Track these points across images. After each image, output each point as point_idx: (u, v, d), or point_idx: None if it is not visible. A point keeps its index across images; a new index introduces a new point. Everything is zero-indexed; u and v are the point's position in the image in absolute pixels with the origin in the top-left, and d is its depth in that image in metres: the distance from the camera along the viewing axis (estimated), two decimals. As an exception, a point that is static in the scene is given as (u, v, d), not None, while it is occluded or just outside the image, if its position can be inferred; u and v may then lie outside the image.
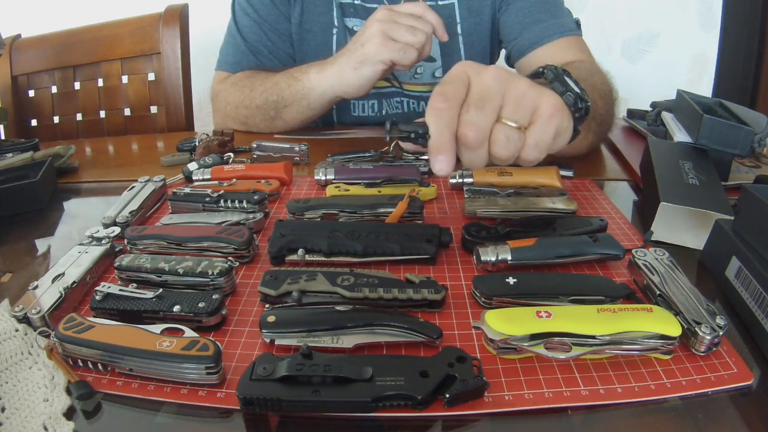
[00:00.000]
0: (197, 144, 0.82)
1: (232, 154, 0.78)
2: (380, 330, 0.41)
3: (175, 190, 0.63)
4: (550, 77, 0.51)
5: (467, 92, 0.44)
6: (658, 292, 0.45)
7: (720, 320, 0.40)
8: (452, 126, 0.43)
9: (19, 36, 1.20)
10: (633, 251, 0.50)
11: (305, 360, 0.36)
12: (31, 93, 1.21)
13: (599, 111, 0.73)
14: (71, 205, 0.72)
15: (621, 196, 0.69)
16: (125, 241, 0.55)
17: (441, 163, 0.43)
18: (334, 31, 0.94)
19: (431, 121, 0.44)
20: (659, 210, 0.55)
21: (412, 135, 0.47)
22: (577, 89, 0.50)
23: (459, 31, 0.95)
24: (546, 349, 0.39)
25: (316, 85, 0.82)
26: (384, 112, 1.00)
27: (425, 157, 0.77)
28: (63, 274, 0.48)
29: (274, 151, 0.79)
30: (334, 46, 0.95)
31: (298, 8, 0.94)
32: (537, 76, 0.52)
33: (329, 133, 0.87)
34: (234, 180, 0.67)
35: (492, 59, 1.00)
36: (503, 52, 1.00)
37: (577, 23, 0.90)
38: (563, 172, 0.70)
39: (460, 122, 0.44)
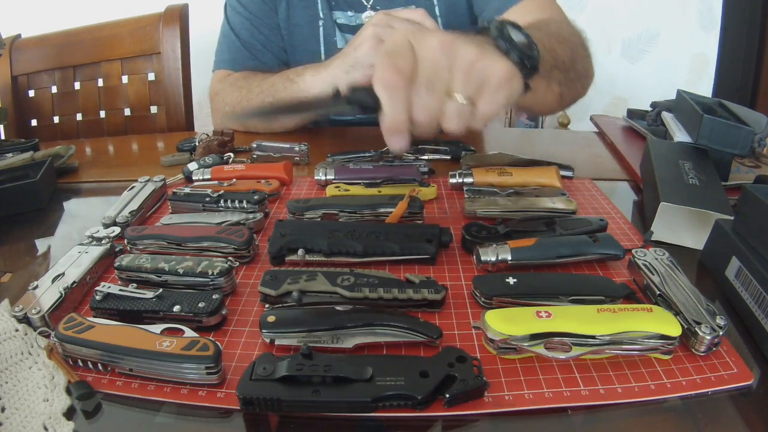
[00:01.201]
0: (197, 144, 0.82)
1: (232, 154, 0.78)
2: (380, 330, 0.41)
3: (175, 190, 0.63)
4: (494, 34, 0.50)
5: (415, 66, 0.44)
6: (658, 292, 0.45)
7: (720, 320, 0.40)
8: (407, 105, 0.44)
9: (19, 36, 1.20)
10: (633, 251, 0.50)
11: (305, 360, 0.36)
12: (31, 93, 1.21)
13: (560, 58, 0.70)
14: (71, 205, 0.72)
15: (621, 196, 0.69)
16: (125, 241, 0.55)
17: (400, 142, 0.45)
18: (320, 23, 0.95)
19: (387, 100, 0.44)
20: (659, 210, 0.55)
21: (361, 105, 0.47)
22: (523, 40, 0.50)
23: (437, 12, 0.95)
24: (546, 349, 0.39)
25: (311, 88, 0.82)
26: None
27: (425, 157, 0.78)
28: (63, 274, 0.48)
29: (274, 151, 0.79)
30: (321, 39, 0.96)
31: (284, 2, 0.95)
32: (482, 31, 0.51)
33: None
34: (234, 180, 0.67)
35: None
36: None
37: None
38: (563, 172, 0.70)
39: (412, 103, 0.44)
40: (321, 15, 0.95)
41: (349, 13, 0.94)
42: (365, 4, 0.94)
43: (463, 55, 0.45)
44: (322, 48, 0.96)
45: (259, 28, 0.95)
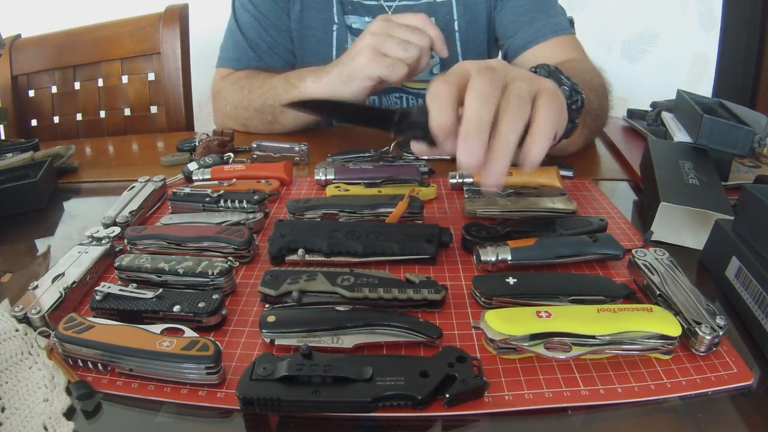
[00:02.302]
0: (197, 144, 0.82)
1: (232, 154, 0.78)
2: (380, 330, 0.41)
3: (175, 190, 0.63)
4: (543, 74, 0.52)
5: (468, 81, 0.44)
6: (658, 292, 0.45)
7: (720, 320, 0.40)
8: (454, 106, 0.43)
9: (19, 36, 1.20)
10: (633, 251, 0.50)
11: (305, 360, 0.36)
12: (31, 93, 1.21)
13: (592, 105, 0.74)
14: (71, 205, 0.72)
15: (621, 196, 0.69)
16: (125, 241, 0.55)
17: (469, 151, 0.42)
18: (334, 27, 0.95)
19: (432, 103, 0.43)
20: (659, 210, 0.55)
21: (415, 135, 0.47)
22: (570, 82, 0.50)
23: (456, 27, 0.95)
24: (546, 349, 0.39)
25: (312, 93, 0.81)
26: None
27: (425, 157, 0.78)
28: (63, 274, 0.48)
29: (274, 151, 0.79)
30: (334, 43, 0.95)
31: (297, 5, 0.94)
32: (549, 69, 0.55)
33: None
34: (234, 180, 0.67)
35: (489, 57, 1.00)
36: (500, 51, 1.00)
37: (571, 22, 0.90)
38: (563, 172, 0.70)
39: (464, 95, 0.43)
40: (335, 19, 0.94)
41: (366, 19, 0.94)
42: (386, 11, 0.93)
43: (516, 69, 0.47)
44: (334, 52, 0.95)
45: (267, 29, 0.95)
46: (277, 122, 0.89)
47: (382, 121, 0.49)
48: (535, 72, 0.54)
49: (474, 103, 0.43)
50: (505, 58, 0.96)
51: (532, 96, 0.45)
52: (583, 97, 0.53)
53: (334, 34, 0.95)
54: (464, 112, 0.43)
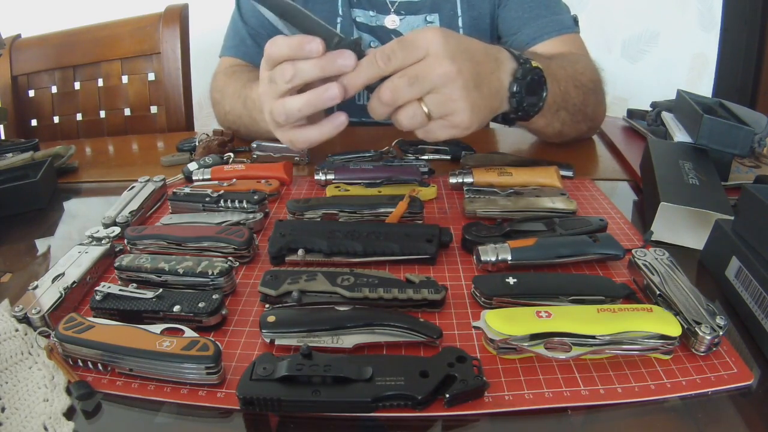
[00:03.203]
0: (197, 144, 0.82)
1: (232, 154, 0.78)
2: (380, 330, 0.41)
3: (175, 190, 0.63)
4: (519, 74, 0.56)
5: (414, 62, 0.49)
6: (658, 292, 0.45)
7: (720, 320, 0.40)
8: (373, 78, 0.49)
9: (19, 36, 1.20)
10: (633, 251, 0.50)
11: (305, 360, 0.36)
12: (31, 93, 1.21)
13: (572, 101, 0.74)
14: (71, 205, 0.72)
15: (621, 196, 0.69)
16: (125, 241, 0.55)
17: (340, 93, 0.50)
18: (338, 20, 0.94)
19: (365, 68, 0.49)
20: (659, 210, 0.55)
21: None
22: (534, 101, 0.59)
23: (459, 24, 0.95)
24: (546, 349, 0.39)
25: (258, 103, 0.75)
26: None
27: (425, 157, 0.78)
28: (63, 274, 0.48)
29: (274, 151, 0.79)
30: None
31: None
32: (520, 59, 0.57)
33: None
34: (234, 180, 0.67)
35: None
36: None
37: (575, 20, 0.90)
38: (563, 172, 0.70)
39: (388, 78, 0.49)
40: (340, 12, 0.94)
41: (371, 13, 0.94)
42: (389, 6, 0.93)
43: (454, 91, 0.50)
44: None
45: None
46: (257, 127, 0.83)
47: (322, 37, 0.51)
48: (518, 58, 0.57)
49: (382, 92, 0.50)
50: None
51: (437, 116, 0.51)
52: (535, 111, 0.59)
53: (338, 27, 0.95)
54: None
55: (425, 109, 0.50)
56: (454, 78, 0.49)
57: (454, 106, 0.50)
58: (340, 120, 0.53)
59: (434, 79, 0.49)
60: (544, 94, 0.60)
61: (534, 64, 0.58)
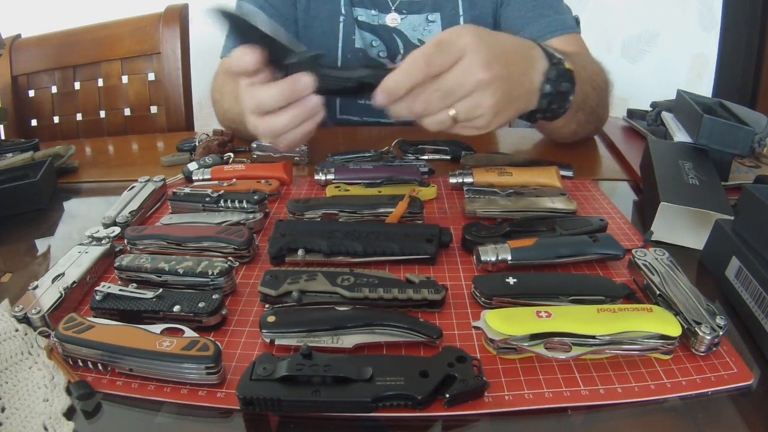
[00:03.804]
0: (197, 144, 0.82)
1: (232, 154, 0.78)
2: (380, 330, 0.41)
3: (175, 190, 0.63)
4: (552, 74, 0.55)
5: (450, 66, 0.48)
6: (658, 292, 0.45)
7: (720, 320, 0.40)
8: (411, 87, 0.48)
9: (19, 36, 1.20)
10: (633, 251, 0.50)
11: (305, 360, 0.36)
12: (31, 93, 1.21)
13: (589, 103, 0.74)
14: (71, 205, 0.72)
15: (621, 196, 0.69)
16: (125, 241, 0.55)
17: (381, 100, 0.49)
18: (341, 19, 0.94)
19: (401, 76, 0.48)
20: (659, 210, 0.55)
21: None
22: (559, 99, 0.57)
23: (461, 23, 0.95)
24: (546, 349, 0.39)
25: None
26: None
27: (425, 157, 0.78)
28: (63, 274, 0.48)
29: (274, 151, 0.79)
30: (340, 35, 0.95)
31: None
32: (553, 59, 0.56)
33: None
34: (234, 180, 0.67)
35: None
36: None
37: (577, 21, 0.90)
38: (563, 172, 0.70)
39: (421, 89, 0.48)
40: (342, 11, 0.94)
41: (372, 12, 0.93)
42: (390, 5, 0.93)
43: (484, 99, 0.49)
44: (340, 44, 0.95)
45: (272, 17, 0.94)
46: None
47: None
48: (556, 62, 0.56)
49: (414, 104, 0.50)
50: None
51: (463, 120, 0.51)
52: (561, 110, 0.58)
53: (341, 25, 0.94)
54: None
55: (453, 113, 0.50)
56: (487, 85, 0.49)
57: (482, 111, 0.50)
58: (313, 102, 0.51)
59: (467, 87, 0.48)
60: (572, 97, 0.60)
61: (567, 65, 0.57)
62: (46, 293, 0.45)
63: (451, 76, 0.48)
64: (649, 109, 0.91)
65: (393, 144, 0.79)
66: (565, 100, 0.59)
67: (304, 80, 0.50)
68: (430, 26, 0.93)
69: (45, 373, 0.39)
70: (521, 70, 0.53)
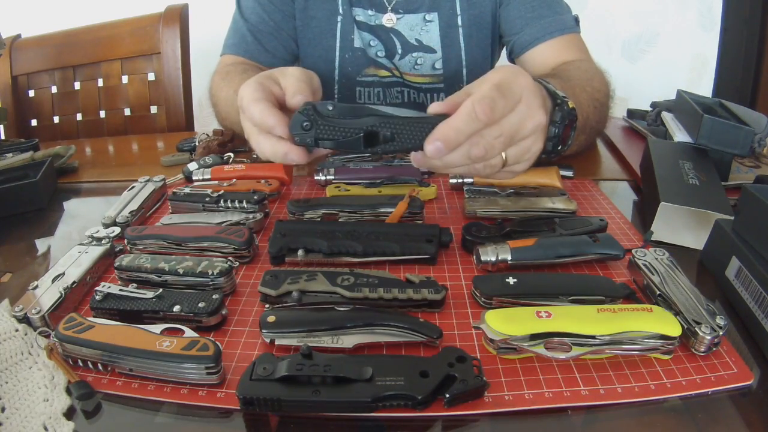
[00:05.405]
0: (197, 144, 0.82)
1: (232, 154, 0.78)
2: (380, 330, 0.41)
3: (175, 190, 0.63)
4: (557, 117, 0.53)
5: (510, 111, 0.45)
6: (658, 292, 0.45)
7: (720, 320, 0.40)
8: (473, 134, 0.44)
9: (19, 36, 1.20)
10: (633, 251, 0.50)
11: (305, 360, 0.36)
12: (31, 93, 1.21)
13: (590, 123, 0.74)
14: (71, 205, 0.72)
15: (621, 196, 0.69)
16: (125, 241, 0.55)
17: (437, 150, 0.44)
18: (339, 18, 0.94)
19: (463, 123, 0.43)
20: (659, 210, 0.55)
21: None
22: (563, 140, 0.54)
23: (459, 23, 0.95)
24: (546, 349, 0.39)
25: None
26: (388, 101, 1.00)
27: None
28: (63, 274, 0.48)
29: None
30: (338, 35, 0.95)
31: None
32: (557, 98, 0.54)
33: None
34: (234, 180, 0.67)
35: (493, 53, 1.00)
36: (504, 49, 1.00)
37: (576, 20, 0.90)
38: (563, 172, 0.70)
39: (481, 133, 0.44)
40: (340, 10, 0.93)
41: (370, 12, 0.93)
42: (386, 5, 0.93)
43: (534, 142, 0.48)
44: (338, 44, 0.95)
45: (271, 13, 0.93)
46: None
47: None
48: (559, 102, 0.53)
49: (473, 149, 0.45)
50: (509, 55, 0.96)
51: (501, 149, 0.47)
52: (564, 149, 0.55)
53: (339, 25, 0.94)
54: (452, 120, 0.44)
55: (504, 157, 0.47)
56: (543, 129, 0.48)
57: (529, 156, 0.49)
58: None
59: (527, 131, 0.47)
60: (574, 133, 0.57)
61: (570, 105, 0.55)
62: (46, 293, 0.45)
63: (515, 120, 0.46)
64: (649, 109, 0.91)
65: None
66: (567, 143, 0.56)
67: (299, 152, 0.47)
68: (428, 26, 0.93)
69: (45, 373, 0.39)
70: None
